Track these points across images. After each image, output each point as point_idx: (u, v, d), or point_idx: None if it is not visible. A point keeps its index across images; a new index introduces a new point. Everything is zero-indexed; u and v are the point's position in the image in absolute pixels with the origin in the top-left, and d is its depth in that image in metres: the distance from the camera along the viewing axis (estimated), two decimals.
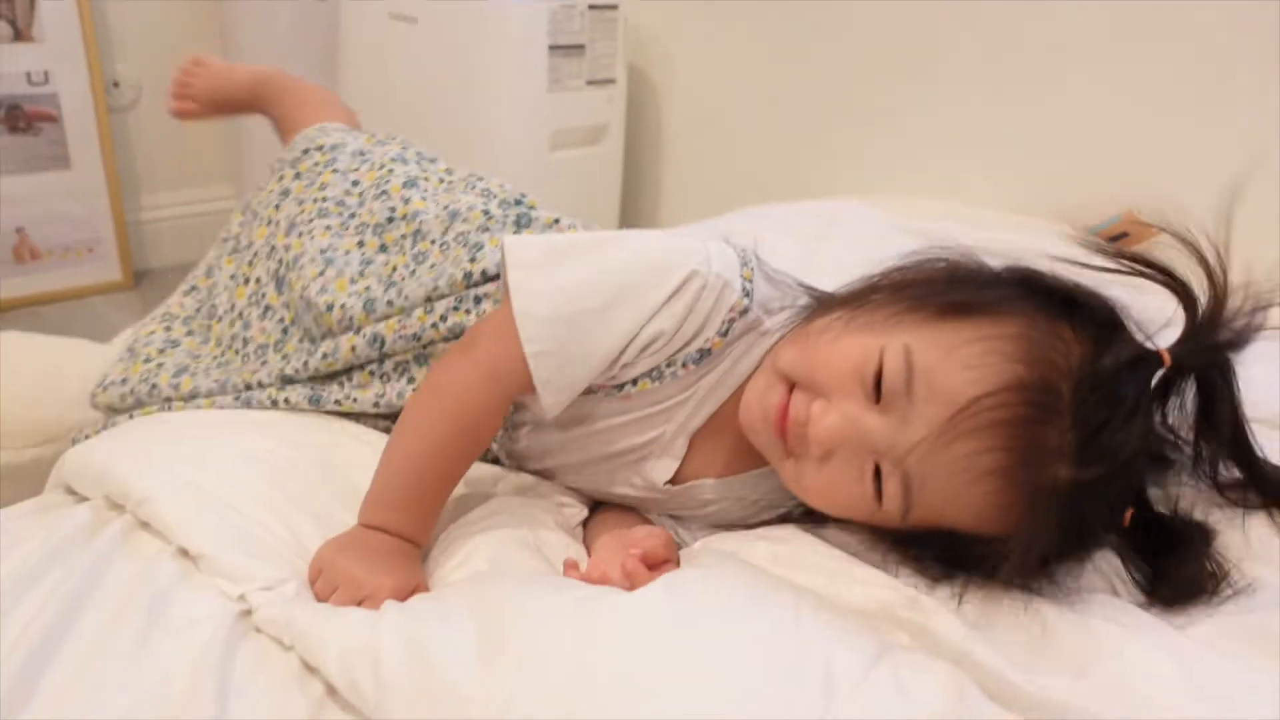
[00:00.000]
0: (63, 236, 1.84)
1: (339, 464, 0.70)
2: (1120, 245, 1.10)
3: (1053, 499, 0.52)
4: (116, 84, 1.90)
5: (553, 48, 1.39)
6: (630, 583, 0.56)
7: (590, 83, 1.47)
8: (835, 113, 1.44)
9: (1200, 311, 0.56)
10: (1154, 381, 0.55)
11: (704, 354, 0.63)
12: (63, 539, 0.59)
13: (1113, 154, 1.18)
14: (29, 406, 1.09)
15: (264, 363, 0.80)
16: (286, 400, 0.75)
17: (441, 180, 0.88)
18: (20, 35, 1.72)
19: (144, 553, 0.58)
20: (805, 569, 0.59)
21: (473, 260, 0.73)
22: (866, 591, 0.56)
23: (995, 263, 0.61)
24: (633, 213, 1.71)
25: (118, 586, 0.54)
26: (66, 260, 1.86)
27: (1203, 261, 0.56)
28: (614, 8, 1.46)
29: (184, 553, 0.57)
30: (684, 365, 0.63)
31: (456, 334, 0.71)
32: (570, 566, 0.61)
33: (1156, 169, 1.15)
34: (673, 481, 0.67)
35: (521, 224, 0.78)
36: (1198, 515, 0.61)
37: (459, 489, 0.65)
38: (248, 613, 0.54)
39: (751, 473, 0.67)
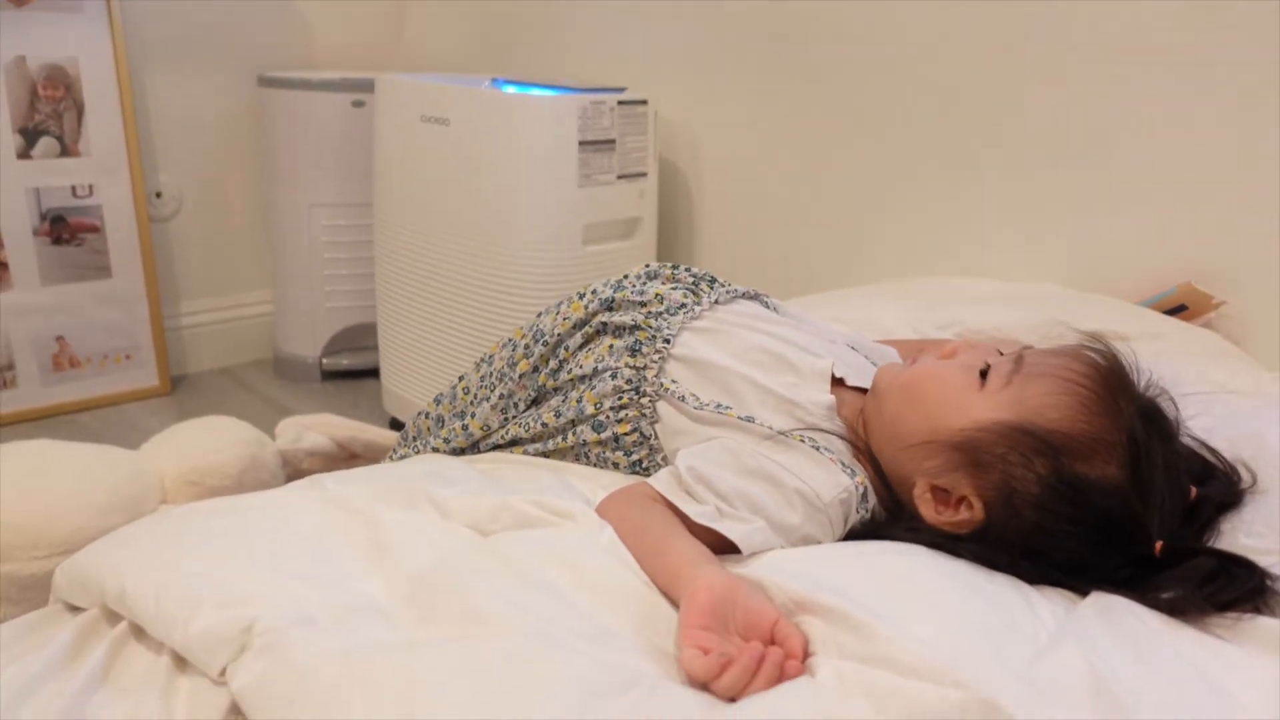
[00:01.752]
0: (101, 344, 1.86)
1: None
2: (1180, 317, 1.07)
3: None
4: (159, 194, 1.94)
5: (583, 143, 1.40)
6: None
7: (621, 177, 1.47)
8: (870, 198, 1.42)
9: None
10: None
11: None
12: (47, 662, 0.57)
13: (1167, 223, 1.15)
14: (56, 515, 1.07)
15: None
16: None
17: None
18: (67, 151, 1.76)
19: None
20: None
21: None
22: None
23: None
24: None
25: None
26: (105, 368, 1.87)
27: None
28: (643, 103, 1.48)
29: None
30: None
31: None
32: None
33: (1213, 238, 1.12)
34: None
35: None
36: None
37: None
38: None
39: None
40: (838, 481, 0.73)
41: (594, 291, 0.89)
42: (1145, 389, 0.72)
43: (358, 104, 1.86)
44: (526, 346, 0.90)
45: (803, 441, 0.75)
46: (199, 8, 1.90)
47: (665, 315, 0.84)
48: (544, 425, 0.86)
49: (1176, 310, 1.09)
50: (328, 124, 1.87)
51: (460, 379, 1.00)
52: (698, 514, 0.69)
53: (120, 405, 1.88)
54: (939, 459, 0.71)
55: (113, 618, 0.62)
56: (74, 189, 1.79)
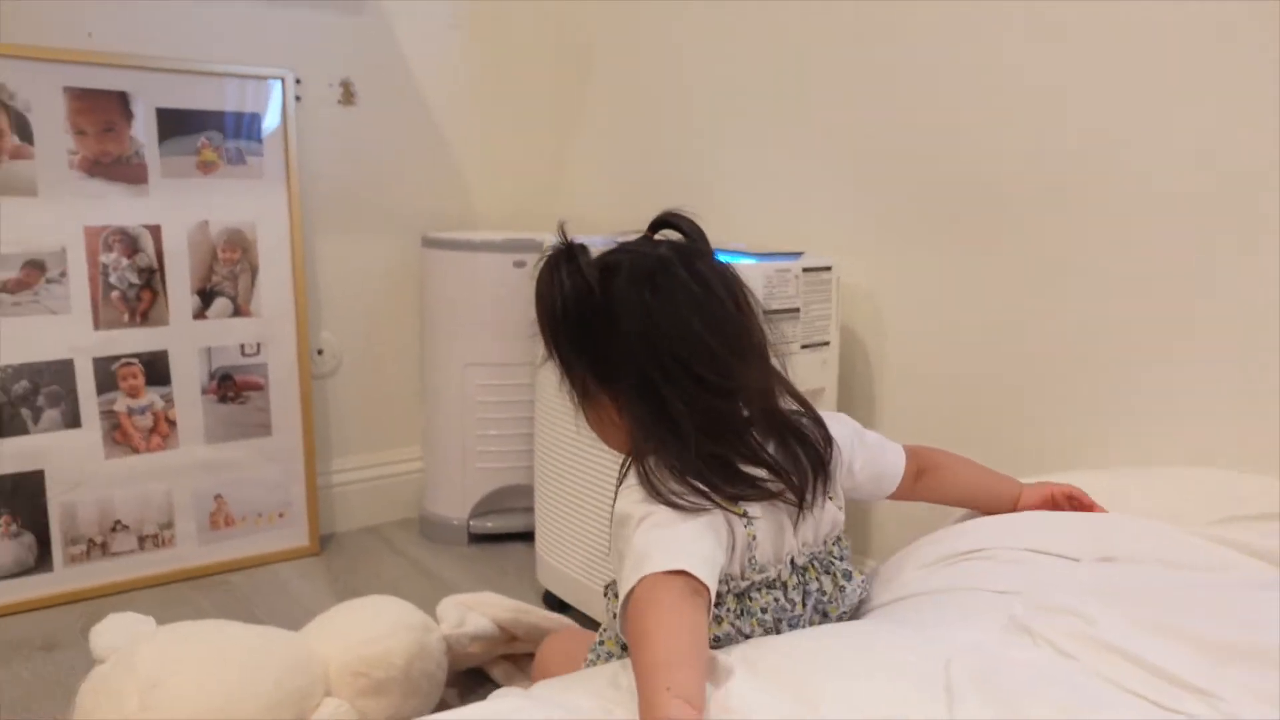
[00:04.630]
0: (257, 503, 1.85)
1: None
2: None
3: None
4: (320, 351, 1.96)
5: (768, 312, 1.32)
6: None
7: (805, 346, 1.39)
8: (1066, 377, 1.30)
9: None
10: None
11: None
12: None
13: None
14: (227, 709, 1.01)
15: None
16: None
17: None
18: (239, 311, 1.80)
19: None
20: None
21: None
22: None
23: None
24: None
25: None
26: (259, 526, 1.85)
27: None
28: (827, 269, 1.41)
29: None
30: None
31: None
32: None
33: None
34: None
35: None
36: None
37: None
38: None
39: None
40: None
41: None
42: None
43: (519, 264, 1.86)
44: None
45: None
46: (368, 171, 1.96)
47: None
48: None
49: None
50: (488, 284, 1.87)
51: None
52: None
53: (270, 565, 1.84)
54: None
55: None
56: (242, 347, 1.81)
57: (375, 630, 1.17)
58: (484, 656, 1.37)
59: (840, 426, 0.94)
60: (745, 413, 0.84)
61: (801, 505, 0.84)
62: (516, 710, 0.70)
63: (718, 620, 0.82)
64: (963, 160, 1.39)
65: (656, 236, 0.87)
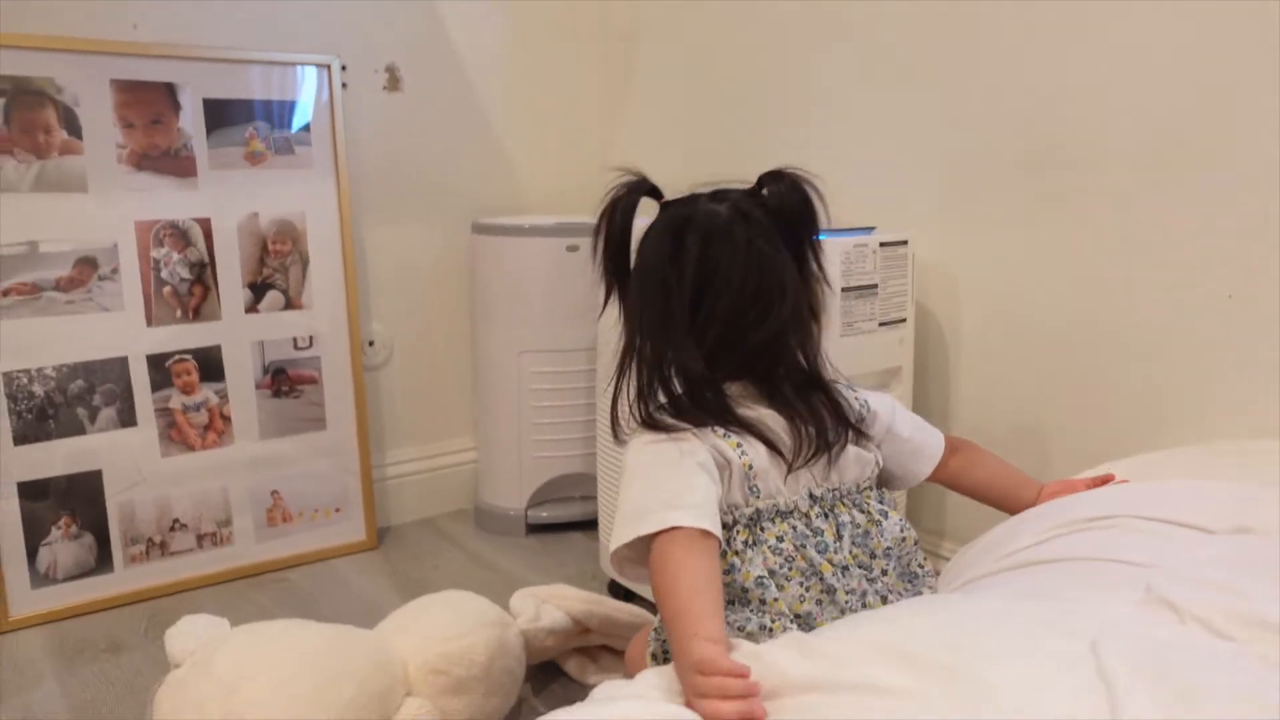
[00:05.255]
0: (313, 498, 1.82)
1: None
2: None
3: None
4: (371, 343, 1.93)
5: (845, 289, 1.28)
6: None
7: (883, 324, 1.34)
8: (1148, 356, 1.24)
9: None
10: None
11: None
12: None
13: None
14: (307, 714, 0.97)
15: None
16: None
17: None
18: (291, 303, 1.77)
19: None
20: None
21: None
22: None
23: None
24: None
25: None
26: (316, 521, 1.82)
27: None
28: (904, 243, 1.35)
29: None
30: None
31: None
32: None
33: None
34: None
35: None
36: None
37: None
38: None
39: None
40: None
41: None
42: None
43: (572, 248, 1.81)
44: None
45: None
46: (416, 158, 1.92)
47: None
48: None
49: None
50: (541, 269, 1.83)
51: None
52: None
53: (329, 561, 1.82)
54: None
55: None
56: (295, 341, 1.78)
57: (455, 627, 1.13)
58: (557, 650, 1.34)
59: (876, 394, 0.99)
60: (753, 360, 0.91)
61: (800, 448, 0.87)
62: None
63: (723, 555, 0.85)
64: (1037, 130, 1.33)
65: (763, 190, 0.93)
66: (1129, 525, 0.86)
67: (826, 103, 1.64)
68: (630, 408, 0.91)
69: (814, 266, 0.92)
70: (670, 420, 0.88)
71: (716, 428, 0.87)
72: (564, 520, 1.94)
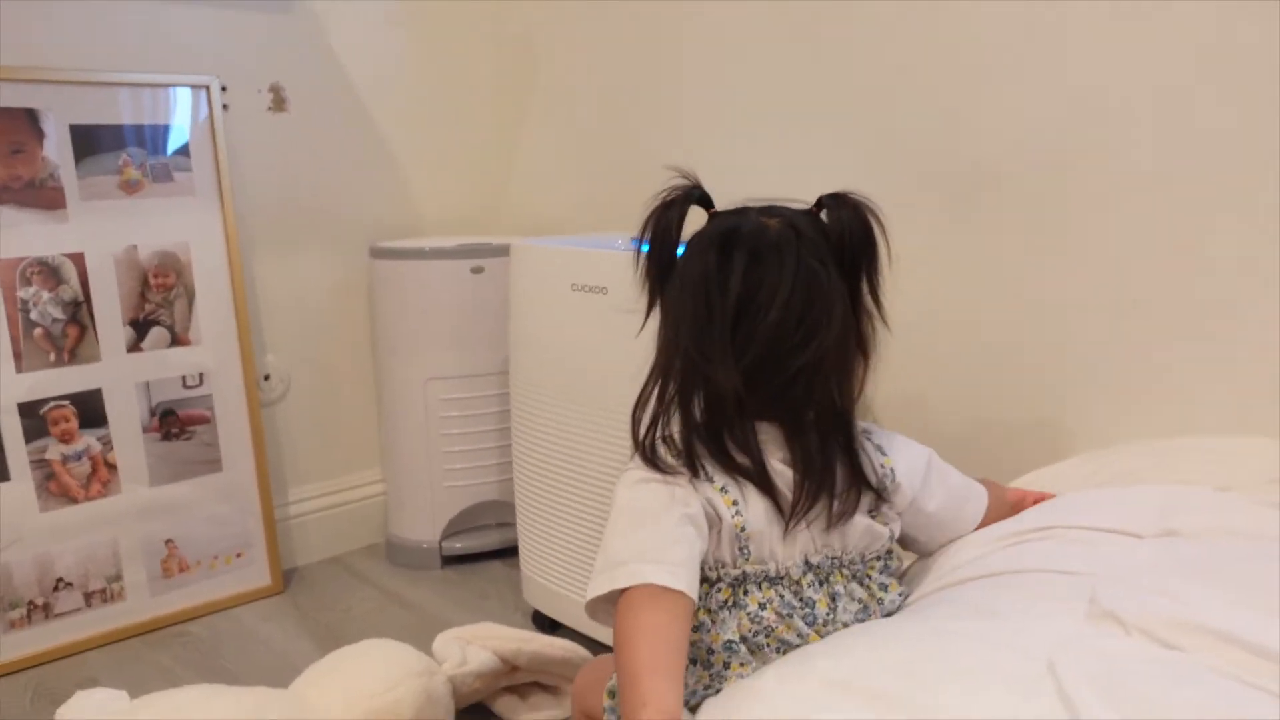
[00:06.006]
0: (211, 544, 1.71)
1: None
2: None
3: None
4: (267, 377, 1.83)
5: None
6: None
7: None
8: (1087, 355, 1.26)
9: None
10: None
11: None
12: None
13: None
14: None
15: None
16: None
17: None
18: (177, 340, 1.66)
19: None
20: None
21: None
22: None
23: None
24: None
25: None
26: (215, 569, 1.72)
27: None
28: None
29: None
30: None
31: None
32: None
33: None
34: None
35: None
36: None
37: None
38: None
39: None
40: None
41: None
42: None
43: (477, 270, 1.76)
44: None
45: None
46: (306, 181, 1.83)
47: None
48: None
49: None
50: (445, 293, 1.77)
51: None
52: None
53: (231, 610, 1.71)
54: None
55: None
56: (184, 379, 1.67)
57: (378, 682, 1.07)
58: (486, 691, 1.29)
59: (911, 454, 0.89)
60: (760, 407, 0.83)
61: (797, 506, 0.81)
62: None
63: (694, 611, 0.80)
64: (961, 140, 1.34)
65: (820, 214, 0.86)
66: (1064, 535, 0.86)
67: (728, 121, 1.63)
68: (641, 429, 0.85)
69: (869, 301, 0.85)
70: (670, 460, 0.82)
71: (715, 479, 0.81)
72: (481, 550, 1.88)
